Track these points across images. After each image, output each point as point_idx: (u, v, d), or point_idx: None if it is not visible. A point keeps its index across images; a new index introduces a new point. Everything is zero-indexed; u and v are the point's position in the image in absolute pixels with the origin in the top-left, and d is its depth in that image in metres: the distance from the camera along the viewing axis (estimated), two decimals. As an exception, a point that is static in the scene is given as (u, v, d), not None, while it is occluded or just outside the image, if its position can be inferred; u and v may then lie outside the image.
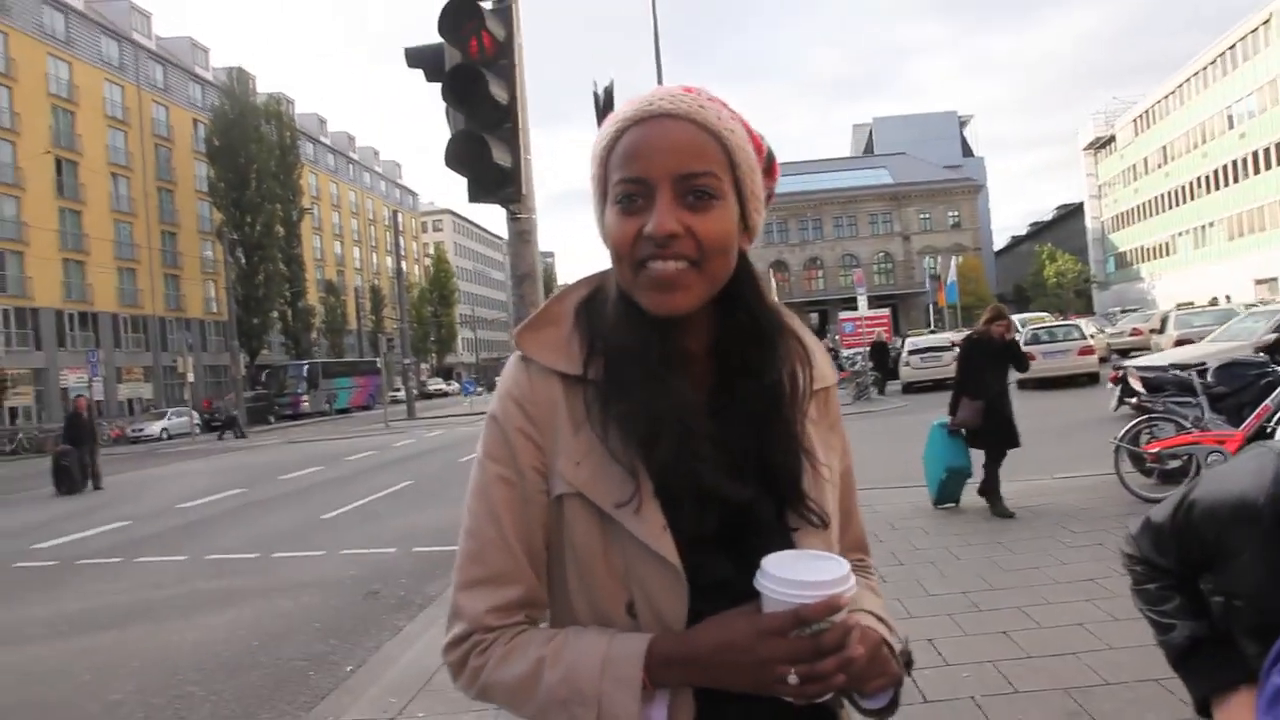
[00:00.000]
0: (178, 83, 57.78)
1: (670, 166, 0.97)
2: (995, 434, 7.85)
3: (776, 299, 1.17)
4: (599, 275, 1.13)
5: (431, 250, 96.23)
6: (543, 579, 1.06)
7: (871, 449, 12.10)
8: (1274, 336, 12.90)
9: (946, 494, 8.13)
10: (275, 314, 57.65)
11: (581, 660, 0.95)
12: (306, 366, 52.29)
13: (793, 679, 0.89)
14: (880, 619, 1.06)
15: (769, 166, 1.09)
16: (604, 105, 11.76)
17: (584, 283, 1.15)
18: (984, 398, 7.81)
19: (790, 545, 1.01)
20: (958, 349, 9.02)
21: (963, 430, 7.98)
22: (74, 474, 18.48)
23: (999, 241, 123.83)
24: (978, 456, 8.02)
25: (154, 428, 41.11)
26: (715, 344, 1.08)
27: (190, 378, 38.92)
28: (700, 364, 1.07)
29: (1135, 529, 1.60)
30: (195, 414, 41.01)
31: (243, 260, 53.47)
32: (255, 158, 54.18)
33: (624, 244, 0.99)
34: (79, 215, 48.17)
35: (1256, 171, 55.05)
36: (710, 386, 1.07)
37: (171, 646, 6.45)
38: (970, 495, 8.15)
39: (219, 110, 53.48)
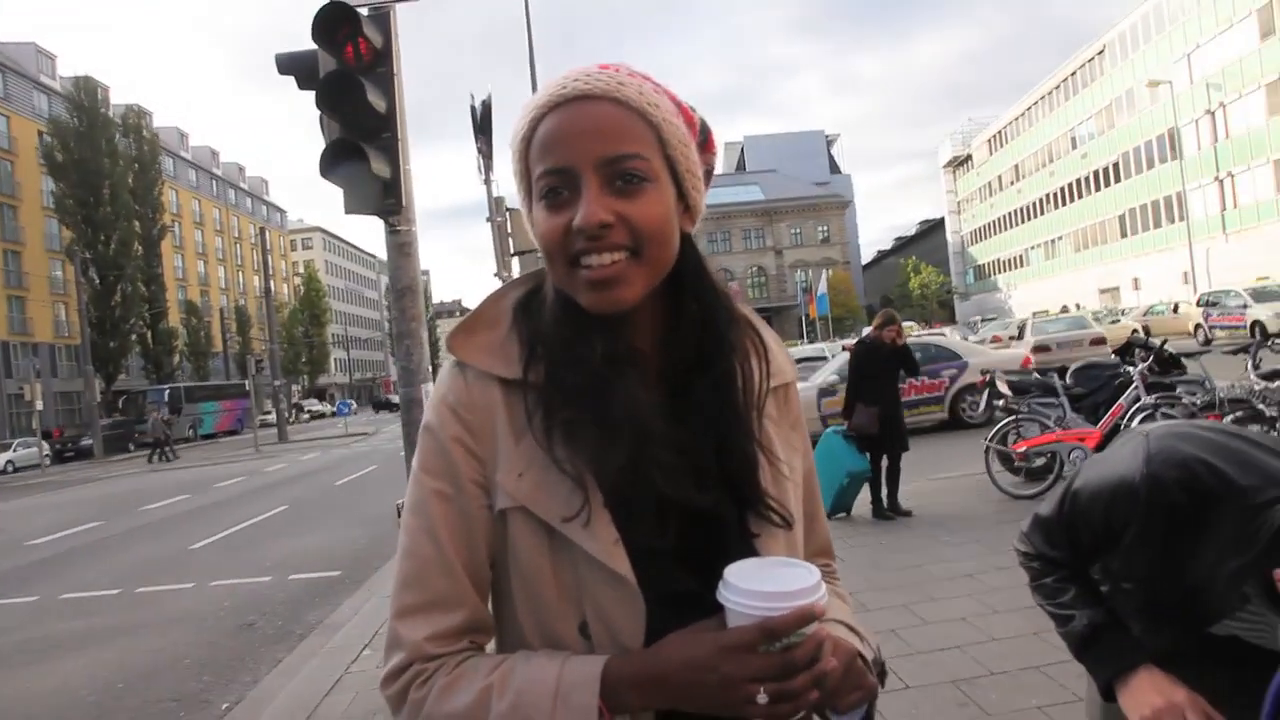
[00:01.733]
0: (20, 91, 54.09)
1: (593, 151, 0.90)
2: (888, 439, 7.95)
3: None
4: (537, 273, 1.06)
5: (302, 269, 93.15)
6: (487, 600, 1.00)
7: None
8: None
9: (843, 502, 8.11)
10: (134, 337, 54.54)
11: (532, 688, 0.87)
12: (168, 391, 49.75)
13: (762, 698, 0.82)
14: (852, 629, 1.01)
15: (704, 140, 1.02)
16: (481, 119, 11.58)
17: (522, 281, 1.08)
18: (878, 403, 7.91)
19: (753, 551, 0.96)
20: (849, 355, 8.97)
21: (852, 436, 8.05)
22: None
23: (866, 255, 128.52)
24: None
25: (-3, 460, 38.22)
26: (665, 338, 1.01)
27: (39, 405, 36.34)
28: (650, 360, 1.01)
29: (1027, 526, 1.66)
30: (45, 444, 38.38)
31: (96, 280, 50.31)
32: (108, 172, 51.15)
33: (554, 241, 0.92)
34: (-93, 233, 44.55)
35: (1097, 188, 58.95)
36: (662, 384, 1.01)
37: (26, 695, 5.98)
38: (859, 505, 8.21)
39: (62, 122, 50.09)
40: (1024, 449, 8.02)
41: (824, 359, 26.38)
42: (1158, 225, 51.73)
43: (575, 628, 0.92)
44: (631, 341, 0.99)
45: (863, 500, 8.13)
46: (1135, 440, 1.44)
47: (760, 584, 0.85)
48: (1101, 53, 57.12)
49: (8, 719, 5.55)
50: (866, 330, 8.96)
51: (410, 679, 0.92)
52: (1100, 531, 1.48)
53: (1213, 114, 44.99)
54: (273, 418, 46.99)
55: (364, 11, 4.89)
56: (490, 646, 1.01)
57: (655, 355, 1.01)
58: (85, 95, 50.81)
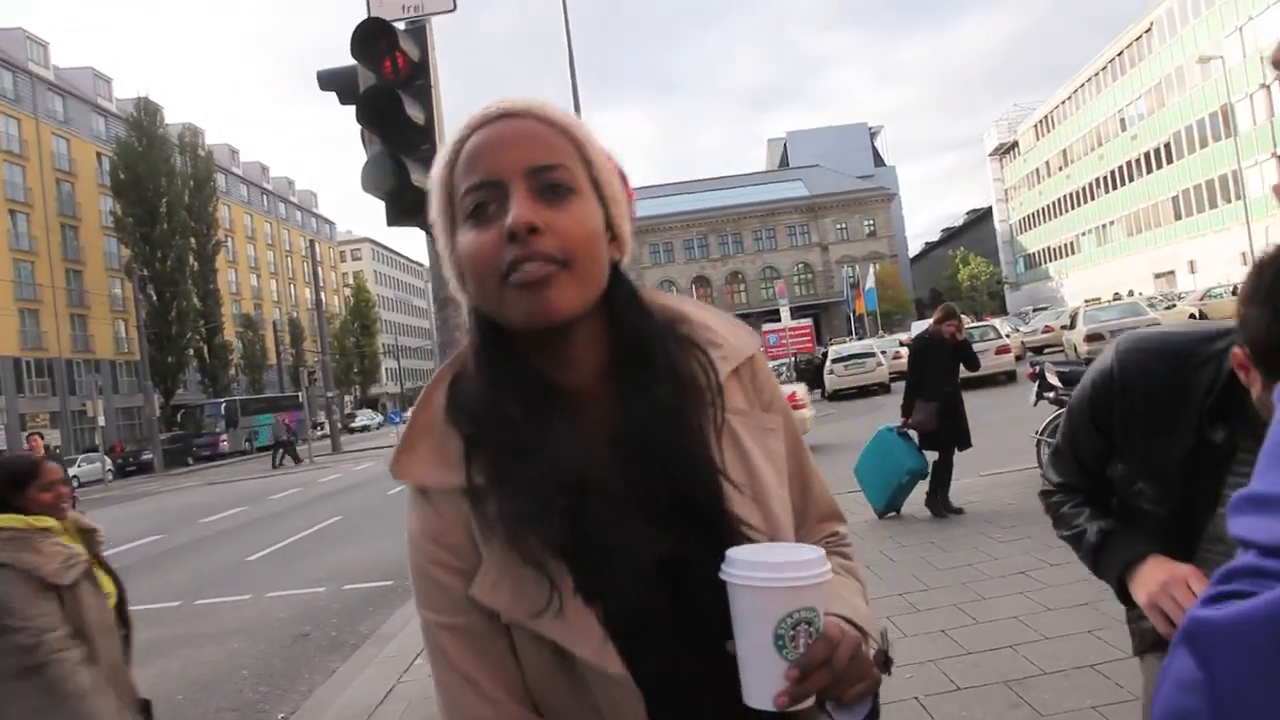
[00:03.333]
0: (79, 114, 55.70)
1: (520, 160, 0.90)
2: (949, 435, 7.82)
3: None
4: (455, 358, 1.03)
5: (351, 280, 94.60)
6: (530, 703, 0.96)
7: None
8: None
9: (896, 501, 7.93)
10: (191, 351, 55.83)
11: None
12: (224, 404, 50.73)
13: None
14: (851, 620, 0.96)
15: (622, 180, 1.02)
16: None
17: (442, 373, 1.04)
18: (938, 399, 7.77)
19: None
20: (908, 350, 8.80)
21: (912, 433, 7.92)
22: None
23: (914, 247, 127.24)
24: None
25: (64, 475, 39.33)
26: (605, 371, 0.98)
27: (101, 421, 37.33)
28: (596, 400, 0.97)
29: (1044, 464, 1.83)
30: (107, 459, 39.45)
31: (154, 297, 51.67)
32: (166, 191, 52.51)
33: (486, 256, 0.89)
34: (-27, 256, 46.06)
35: (1149, 170, 57.64)
36: (611, 422, 0.96)
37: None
38: (911, 503, 8.00)
39: (124, 143, 51.61)
40: (1077, 441, 7.87)
41: (872, 355, 26.22)
42: (1213, 206, 50.40)
43: None
44: (567, 380, 0.96)
45: (913, 497, 8.00)
46: (1107, 345, 1.64)
47: (765, 557, 0.86)
48: (1149, 30, 55.83)
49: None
50: (923, 325, 8.80)
51: None
52: (1096, 434, 1.61)
53: (1268, 87, 43.60)
54: (326, 429, 47.70)
55: (401, 26, 4.97)
56: None
57: (599, 389, 0.98)
58: (145, 116, 52.23)
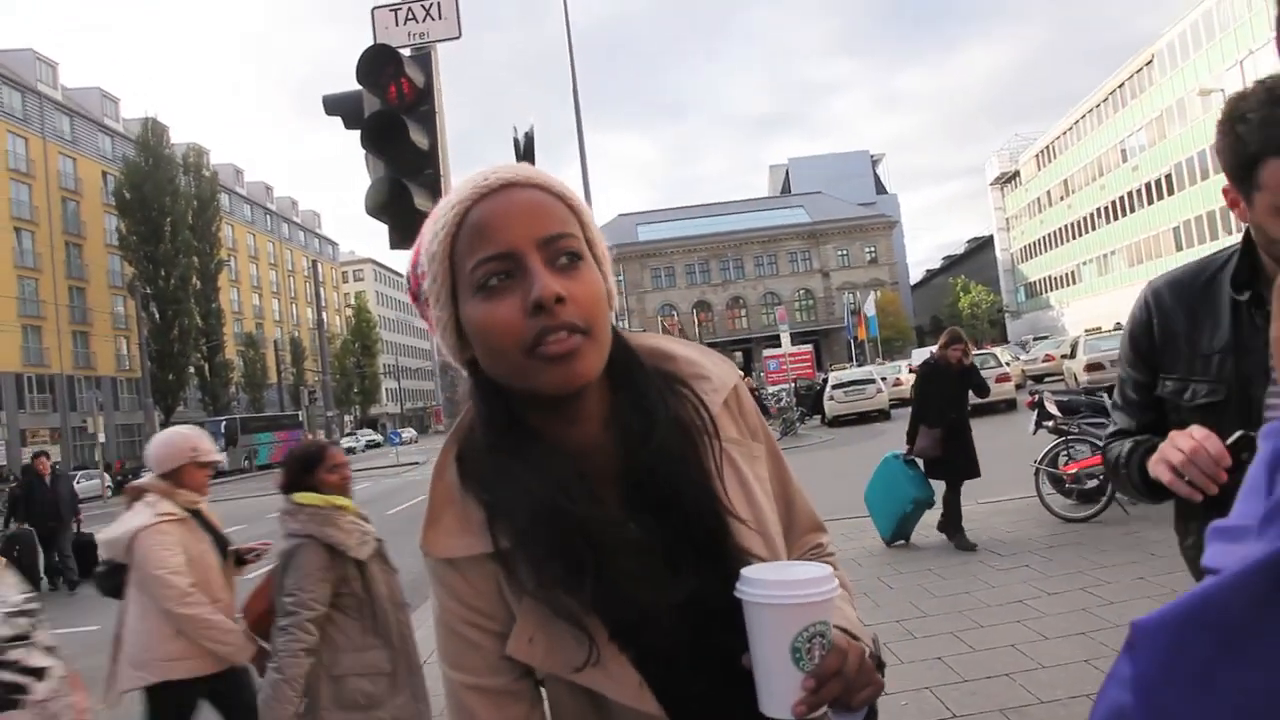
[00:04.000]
0: (86, 134, 56.13)
1: (534, 231, 0.91)
2: (955, 463, 7.62)
3: (687, 339, 1.13)
4: (458, 427, 1.05)
5: (353, 300, 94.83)
6: None
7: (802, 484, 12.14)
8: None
9: (904, 529, 7.70)
10: (192, 369, 55.92)
11: None
12: (224, 423, 50.68)
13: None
14: (846, 631, 0.99)
15: None
16: (524, 150, 11.69)
17: (447, 447, 1.04)
18: (942, 425, 7.63)
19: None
20: (914, 375, 8.62)
21: (919, 460, 7.78)
22: (31, 568, 11.72)
23: (915, 275, 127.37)
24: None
25: (62, 492, 39.14)
26: (610, 420, 1.00)
27: (101, 438, 37.32)
28: (603, 451, 0.99)
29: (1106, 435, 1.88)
30: (107, 476, 39.36)
31: (157, 315, 51.83)
32: (170, 210, 52.82)
33: (507, 328, 0.90)
34: (-22, 272, 46.20)
35: (1150, 202, 57.86)
36: (619, 470, 0.99)
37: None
38: (922, 531, 7.82)
39: (131, 162, 52.00)
40: (1075, 470, 7.88)
41: (872, 381, 26.23)
42: (1214, 237, 50.51)
43: None
44: (580, 433, 0.99)
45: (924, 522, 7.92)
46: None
47: (780, 575, 0.90)
48: (1150, 63, 56.24)
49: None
50: (927, 352, 8.68)
51: None
52: (1141, 364, 1.73)
53: (1269, 122, 43.96)
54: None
55: (406, 52, 5.04)
56: None
57: (604, 439, 1.00)
58: (152, 135, 52.64)
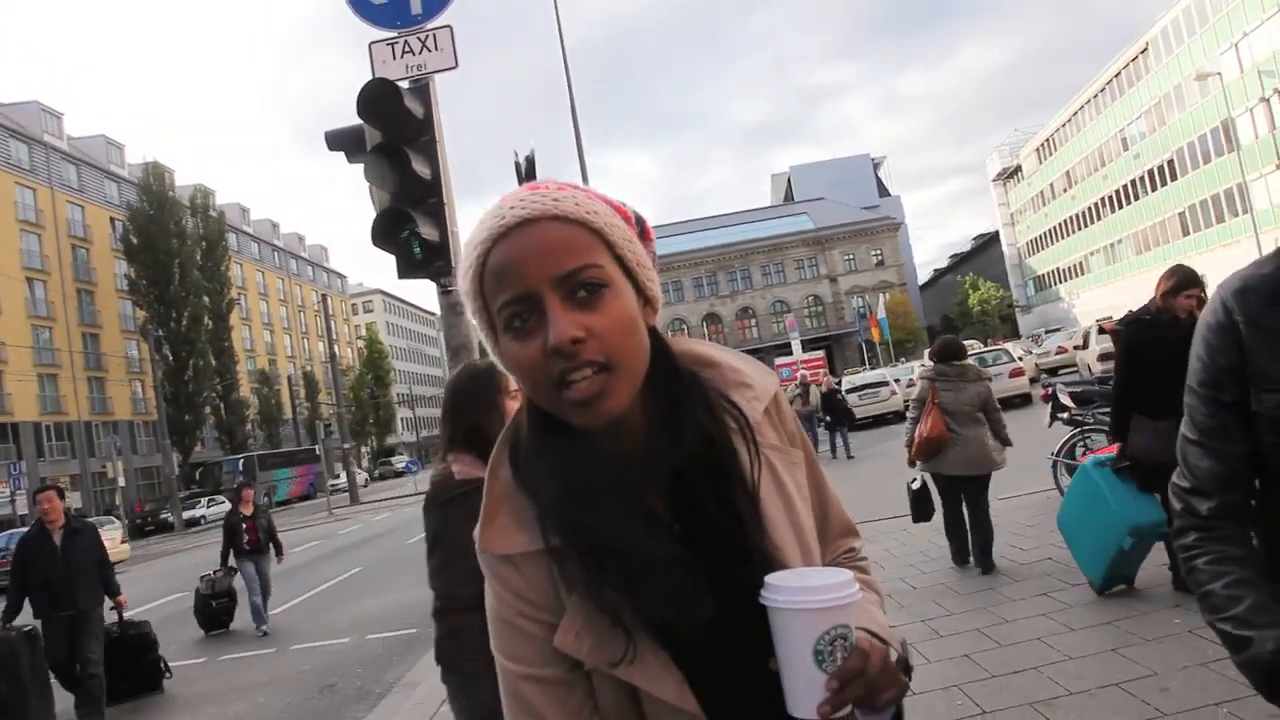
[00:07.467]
0: (92, 181, 56.73)
1: (548, 270, 0.92)
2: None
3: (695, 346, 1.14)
4: (510, 428, 1.08)
5: (364, 331, 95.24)
6: None
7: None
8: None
9: (1122, 571, 5.37)
10: (207, 409, 56.25)
11: None
12: (242, 460, 50.90)
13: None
14: (874, 634, 1.01)
15: (641, 231, 1.04)
16: (526, 174, 11.78)
17: (502, 443, 1.08)
18: (1170, 414, 3.96)
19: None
20: (1115, 338, 5.59)
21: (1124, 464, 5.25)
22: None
23: (923, 275, 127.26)
24: None
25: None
26: (653, 434, 1.02)
27: (121, 482, 37.60)
28: (644, 457, 1.02)
29: (1175, 474, 1.46)
30: (118, 521, 39.47)
31: (170, 357, 52.22)
32: (178, 252, 53.29)
33: (535, 369, 0.93)
34: (-8, 324, 46.64)
35: (1154, 188, 57.64)
36: (660, 478, 1.02)
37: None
38: (1148, 574, 5.51)
39: (136, 208, 52.53)
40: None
41: (885, 384, 26.20)
42: (1220, 220, 50.33)
43: None
44: (622, 443, 1.00)
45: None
46: (1207, 304, 1.44)
47: (803, 581, 0.93)
48: (1145, 50, 56.16)
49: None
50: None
51: None
52: (1227, 380, 1.37)
53: (1268, 100, 43.77)
54: (343, 481, 47.44)
55: (405, 85, 5.11)
56: None
57: (649, 453, 1.02)
58: (154, 179, 53.16)
